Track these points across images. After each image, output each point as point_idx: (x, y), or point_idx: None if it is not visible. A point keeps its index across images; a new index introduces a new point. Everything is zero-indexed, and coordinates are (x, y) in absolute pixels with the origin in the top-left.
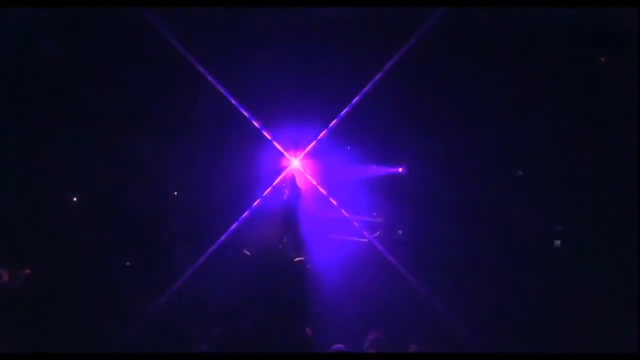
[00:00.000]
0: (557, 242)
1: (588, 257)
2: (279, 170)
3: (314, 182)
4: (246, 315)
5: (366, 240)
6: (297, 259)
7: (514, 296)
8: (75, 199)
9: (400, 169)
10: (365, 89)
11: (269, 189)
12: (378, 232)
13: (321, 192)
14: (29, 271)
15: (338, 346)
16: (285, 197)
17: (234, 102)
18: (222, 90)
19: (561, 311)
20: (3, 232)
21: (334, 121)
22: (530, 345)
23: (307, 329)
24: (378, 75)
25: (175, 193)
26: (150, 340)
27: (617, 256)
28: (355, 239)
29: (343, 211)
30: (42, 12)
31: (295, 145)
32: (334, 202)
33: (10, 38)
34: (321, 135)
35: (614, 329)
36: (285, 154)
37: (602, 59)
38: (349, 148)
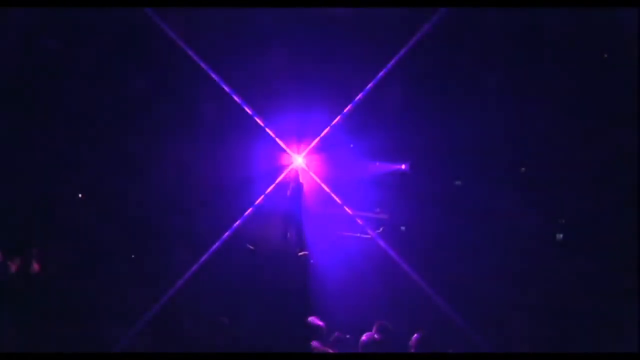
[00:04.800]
0: (560, 236)
1: (588, 257)
2: (282, 167)
3: (317, 179)
4: (252, 305)
5: (369, 236)
6: (301, 253)
7: (514, 294)
8: (80, 195)
9: (403, 166)
10: (369, 85)
11: (273, 186)
12: (381, 228)
13: (324, 189)
14: (37, 265)
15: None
16: (288, 193)
17: (236, 99)
18: (225, 87)
19: (561, 311)
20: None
21: (337, 118)
22: (530, 345)
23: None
24: (382, 72)
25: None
26: (152, 332)
27: (618, 256)
28: (359, 234)
29: (346, 208)
30: (42, 10)
31: (298, 142)
32: (337, 198)
33: (9, 36)
34: (324, 132)
35: (614, 329)
36: (288, 150)
37: (605, 56)
38: (352, 145)
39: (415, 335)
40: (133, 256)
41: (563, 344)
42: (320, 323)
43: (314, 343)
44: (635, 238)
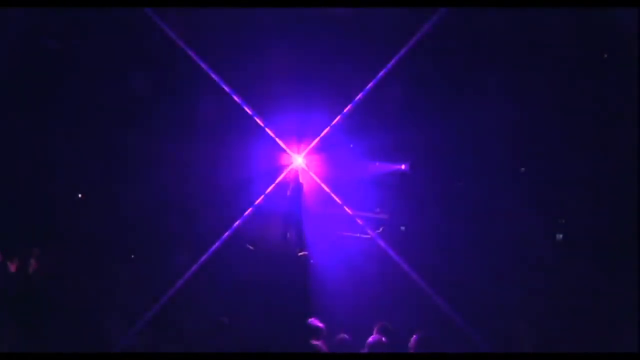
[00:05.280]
0: (559, 236)
1: (588, 257)
2: (282, 167)
3: (317, 179)
4: (251, 305)
5: (369, 236)
6: (301, 253)
7: (514, 294)
8: (80, 195)
9: (403, 166)
10: (369, 85)
11: (273, 186)
12: (381, 228)
13: (324, 189)
14: (37, 265)
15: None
16: (288, 193)
17: (236, 99)
18: (225, 87)
19: (561, 310)
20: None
21: (337, 118)
22: (530, 345)
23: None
24: (382, 72)
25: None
26: (152, 332)
27: (618, 256)
28: (359, 234)
29: (346, 208)
30: (42, 10)
31: (298, 142)
32: (337, 198)
33: (9, 36)
34: (324, 132)
35: (614, 329)
36: (288, 150)
37: (605, 56)
38: (352, 145)
39: (414, 336)
40: (133, 256)
41: (563, 344)
42: (321, 325)
43: (315, 344)
44: (635, 238)
